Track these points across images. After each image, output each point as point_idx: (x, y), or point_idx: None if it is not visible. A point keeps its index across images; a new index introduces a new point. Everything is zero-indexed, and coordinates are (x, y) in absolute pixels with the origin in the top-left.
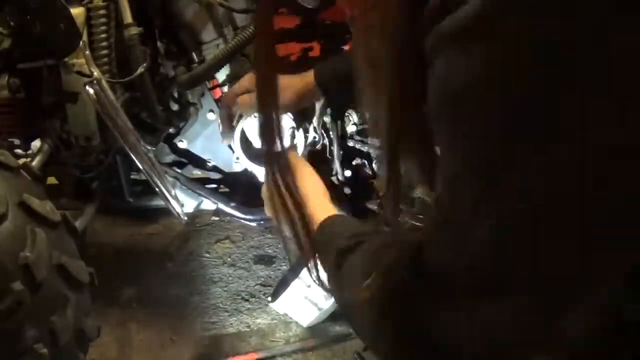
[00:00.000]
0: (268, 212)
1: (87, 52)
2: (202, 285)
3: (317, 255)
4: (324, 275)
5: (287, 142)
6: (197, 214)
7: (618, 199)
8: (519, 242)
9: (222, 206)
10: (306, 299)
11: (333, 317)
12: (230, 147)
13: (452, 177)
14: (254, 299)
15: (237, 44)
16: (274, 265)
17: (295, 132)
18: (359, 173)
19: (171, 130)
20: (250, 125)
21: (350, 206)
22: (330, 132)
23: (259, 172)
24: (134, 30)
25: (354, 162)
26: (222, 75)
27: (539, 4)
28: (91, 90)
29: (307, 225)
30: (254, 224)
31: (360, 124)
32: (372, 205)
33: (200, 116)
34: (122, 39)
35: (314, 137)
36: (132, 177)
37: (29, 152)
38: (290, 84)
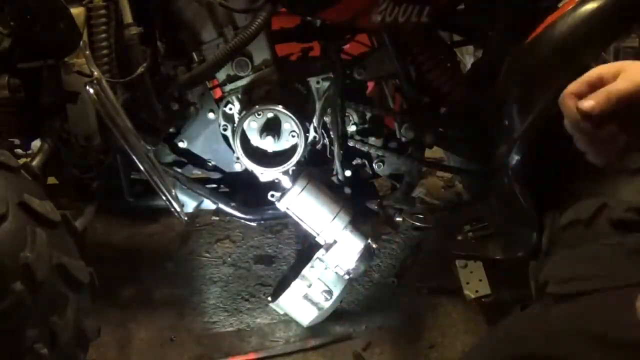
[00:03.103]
0: None
1: (87, 52)
2: (202, 285)
3: None
4: None
5: None
6: (197, 213)
7: None
8: None
9: (222, 206)
10: (306, 299)
11: (333, 317)
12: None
13: None
14: (254, 299)
15: (237, 43)
16: (274, 265)
17: (296, 132)
18: (359, 173)
19: (171, 130)
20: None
21: (350, 206)
22: (331, 132)
23: (259, 172)
24: (134, 30)
25: (354, 162)
26: (222, 75)
27: None
28: (91, 90)
29: None
30: (254, 224)
31: (360, 124)
32: (372, 205)
33: (200, 116)
34: (122, 38)
35: (314, 137)
36: (132, 177)
37: (29, 152)
38: None
